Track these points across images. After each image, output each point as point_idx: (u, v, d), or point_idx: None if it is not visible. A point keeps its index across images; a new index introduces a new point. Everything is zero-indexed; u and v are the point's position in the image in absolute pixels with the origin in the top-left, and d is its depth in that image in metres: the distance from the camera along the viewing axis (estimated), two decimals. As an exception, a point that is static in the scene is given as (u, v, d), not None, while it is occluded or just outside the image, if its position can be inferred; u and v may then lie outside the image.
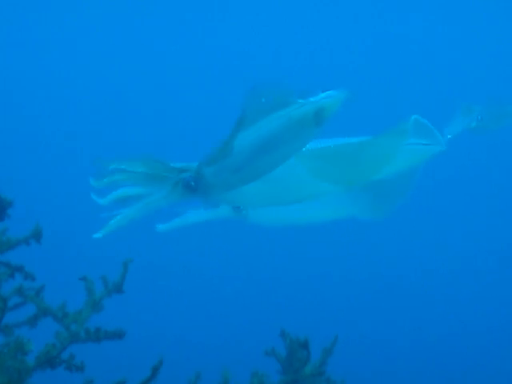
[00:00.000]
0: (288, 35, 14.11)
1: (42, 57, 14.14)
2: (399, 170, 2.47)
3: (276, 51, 13.99)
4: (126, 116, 13.38)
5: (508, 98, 5.36)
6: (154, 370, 2.48)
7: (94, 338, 2.62)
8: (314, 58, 13.79)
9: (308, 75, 12.43)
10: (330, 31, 14.02)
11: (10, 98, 13.26)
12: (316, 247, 10.11)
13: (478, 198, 11.81)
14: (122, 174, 2.23)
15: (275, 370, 2.46)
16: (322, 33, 14.16)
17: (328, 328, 9.01)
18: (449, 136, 4.72)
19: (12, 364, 2.49)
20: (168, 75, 14.08)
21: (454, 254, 10.93)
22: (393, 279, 10.51)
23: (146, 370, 2.60)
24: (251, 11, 14.15)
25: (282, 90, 2.15)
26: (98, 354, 3.36)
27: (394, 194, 2.76)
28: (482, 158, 11.69)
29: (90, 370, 2.69)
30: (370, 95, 10.77)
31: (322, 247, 10.12)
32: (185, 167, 2.27)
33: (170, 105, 13.62)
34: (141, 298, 7.70)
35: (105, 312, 2.68)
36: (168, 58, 14.32)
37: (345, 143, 2.35)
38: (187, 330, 9.33)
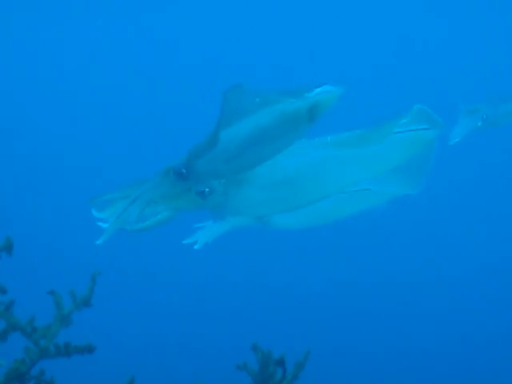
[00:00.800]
0: (288, 32, 14.10)
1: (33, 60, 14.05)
2: (399, 160, 2.41)
3: (275, 48, 13.96)
4: (110, 119, 13.29)
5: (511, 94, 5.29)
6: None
7: (64, 352, 2.57)
8: (313, 56, 13.75)
9: (307, 72, 12.36)
10: (329, 28, 14.02)
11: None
12: (309, 252, 10.05)
13: (484, 200, 11.71)
14: (121, 200, 2.22)
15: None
16: (320, 29, 14.16)
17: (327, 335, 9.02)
18: (456, 139, 4.68)
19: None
20: (164, 75, 14.02)
21: (461, 257, 10.82)
22: (392, 284, 10.43)
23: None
24: (248, 9, 14.13)
25: (258, 91, 2.15)
26: (69, 368, 3.30)
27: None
28: (488, 159, 11.59)
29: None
30: (367, 94, 10.71)
31: (315, 252, 10.06)
32: None
33: (165, 106, 13.55)
34: (108, 310, 7.62)
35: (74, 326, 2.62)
36: (163, 59, 14.27)
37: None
38: (161, 343, 9.24)
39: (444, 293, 10.50)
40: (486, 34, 13.70)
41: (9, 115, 13.15)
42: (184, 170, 2.19)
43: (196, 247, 2.74)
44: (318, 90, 2.12)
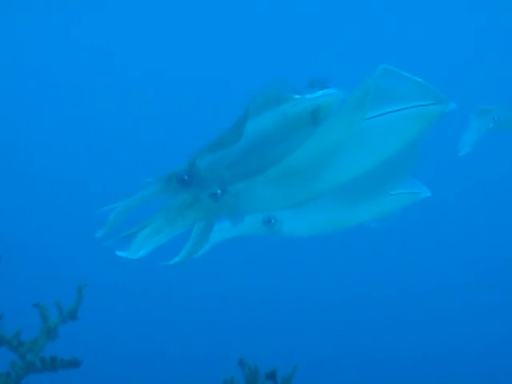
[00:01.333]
0: (288, 32, 14.08)
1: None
2: (401, 145, 2.22)
3: (275, 48, 13.93)
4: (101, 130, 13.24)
5: None
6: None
7: (50, 367, 2.55)
8: (313, 57, 13.72)
9: (307, 73, 12.24)
10: (329, 29, 14.03)
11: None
12: (297, 265, 10.02)
13: (488, 205, 11.61)
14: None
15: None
16: (320, 30, 14.16)
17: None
18: (467, 149, 4.63)
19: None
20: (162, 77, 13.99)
21: (465, 264, 10.72)
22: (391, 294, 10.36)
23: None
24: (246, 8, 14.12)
25: (285, 88, 2.12)
26: (56, 382, 3.28)
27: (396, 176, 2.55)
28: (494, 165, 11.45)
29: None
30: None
31: (303, 266, 10.03)
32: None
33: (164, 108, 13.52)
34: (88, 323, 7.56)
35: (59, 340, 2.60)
36: (165, 59, 14.24)
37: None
38: (147, 357, 9.20)
39: (448, 302, 10.42)
40: (491, 36, 13.68)
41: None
42: (186, 177, 2.17)
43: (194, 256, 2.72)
44: (321, 92, 2.12)
